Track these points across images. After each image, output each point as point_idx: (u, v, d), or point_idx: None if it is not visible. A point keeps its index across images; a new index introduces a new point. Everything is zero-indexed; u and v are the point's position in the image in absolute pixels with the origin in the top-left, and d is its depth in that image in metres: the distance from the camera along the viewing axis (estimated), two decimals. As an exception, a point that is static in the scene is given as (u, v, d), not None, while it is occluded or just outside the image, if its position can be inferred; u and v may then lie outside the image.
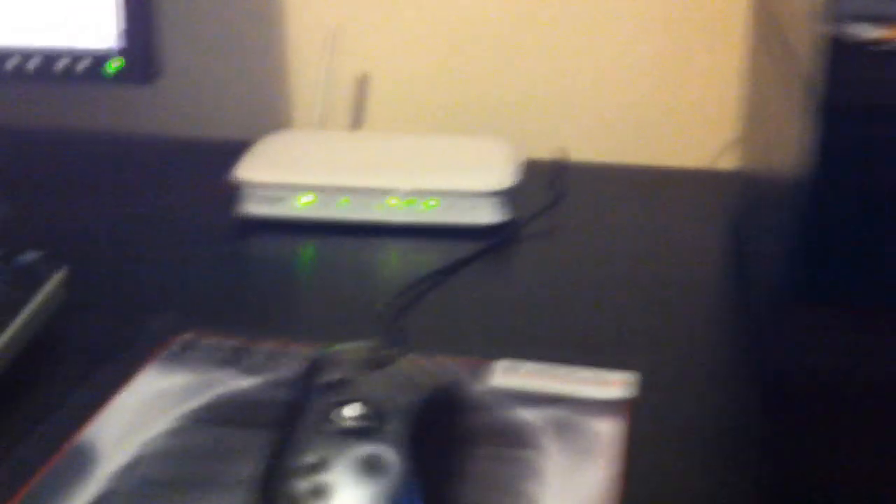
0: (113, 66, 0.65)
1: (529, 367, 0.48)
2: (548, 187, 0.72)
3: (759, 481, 0.43)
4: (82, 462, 0.41)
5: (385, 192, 0.64)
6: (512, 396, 0.46)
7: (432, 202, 0.64)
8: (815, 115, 0.45)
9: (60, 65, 0.65)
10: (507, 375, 0.48)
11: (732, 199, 0.71)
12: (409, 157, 0.67)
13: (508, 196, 0.65)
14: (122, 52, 0.65)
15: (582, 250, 0.63)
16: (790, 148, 0.50)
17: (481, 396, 0.46)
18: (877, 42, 0.45)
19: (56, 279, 0.52)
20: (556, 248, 0.64)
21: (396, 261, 0.62)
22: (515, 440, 0.43)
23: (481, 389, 0.47)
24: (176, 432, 0.43)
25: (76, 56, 0.65)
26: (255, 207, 0.65)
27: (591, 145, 0.80)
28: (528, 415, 0.45)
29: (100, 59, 0.65)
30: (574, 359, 0.49)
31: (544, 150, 0.77)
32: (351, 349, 0.43)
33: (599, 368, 0.48)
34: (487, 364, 0.48)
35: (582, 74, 0.80)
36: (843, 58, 0.45)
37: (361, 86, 0.82)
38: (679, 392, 0.48)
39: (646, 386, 0.48)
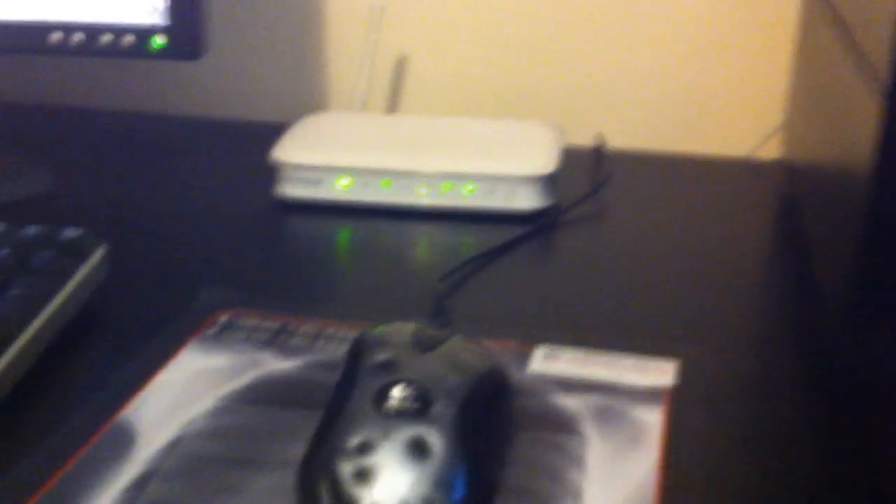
0: (158, 41, 0.65)
1: (571, 353, 0.48)
2: (590, 174, 0.71)
3: (803, 472, 0.42)
4: (125, 440, 0.41)
5: (425, 176, 0.64)
6: (554, 382, 0.46)
7: (473, 186, 0.64)
8: (884, 103, 0.44)
9: (105, 40, 0.65)
10: (549, 361, 0.47)
11: (776, 188, 0.70)
12: (450, 140, 0.67)
13: (550, 182, 0.64)
14: (168, 28, 0.65)
15: (624, 238, 0.63)
16: (853, 138, 0.49)
17: (524, 381, 0.45)
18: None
19: (98, 255, 0.52)
20: (598, 235, 0.63)
21: (436, 245, 0.62)
22: (558, 426, 0.43)
23: (524, 374, 0.46)
24: (219, 412, 0.43)
25: (121, 31, 0.65)
26: (293, 189, 0.65)
27: (631, 133, 0.80)
28: (570, 401, 0.44)
29: (145, 33, 0.65)
30: (617, 345, 0.49)
31: (583, 137, 0.77)
32: (396, 330, 0.43)
33: (641, 356, 0.48)
34: (529, 349, 0.48)
35: (624, 61, 0.79)
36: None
37: (401, 68, 0.82)
38: (722, 380, 0.48)
39: (689, 373, 0.47)
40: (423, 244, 0.62)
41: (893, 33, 0.43)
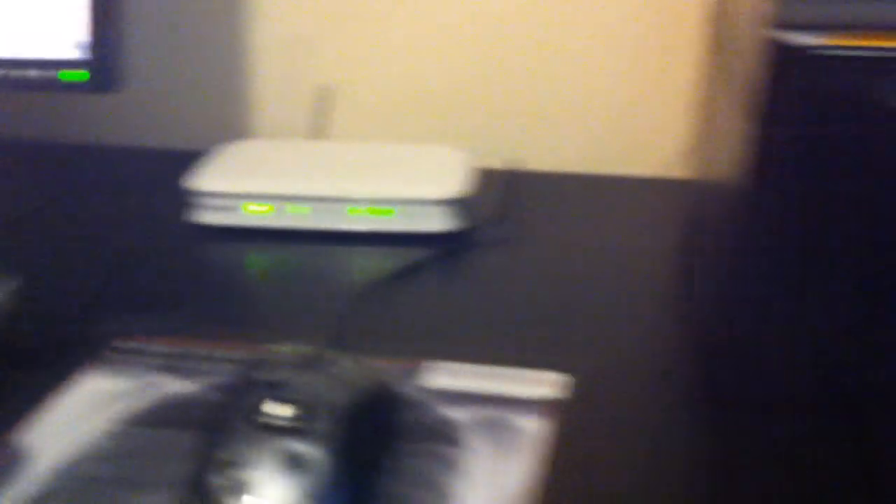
0: (74, 75, 0.66)
1: (462, 367, 0.49)
2: (502, 196, 0.73)
3: (683, 482, 0.44)
4: (15, 463, 0.42)
5: (339, 201, 0.65)
6: (442, 396, 0.47)
7: (386, 210, 0.65)
8: (755, 121, 0.46)
9: (23, 73, 0.66)
10: (440, 376, 0.49)
11: (685, 207, 0.72)
12: (363, 166, 0.68)
13: (461, 204, 0.65)
14: (86, 61, 0.66)
15: (535, 257, 0.64)
16: (733, 155, 0.51)
17: (413, 396, 0.47)
18: (818, 49, 0.46)
19: (6, 286, 0.53)
20: (510, 255, 0.65)
21: (348, 268, 0.63)
22: (441, 437, 0.44)
23: (413, 389, 0.47)
24: (111, 435, 0.44)
25: (39, 64, 0.66)
26: (208, 216, 0.66)
27: (551, 155, 0.81)
28: (455, 413, 0.46)
29: (64, 67, 0.66)
30: (511, 360, 0.50)
31: (509, 161, 0.79)
32: (287, 351, 0.44)
33: (530, 369, 0.49)
34: (421, 365, 0.49)
35: (541, 86, 0.81)
36: (784, 64, 0.46)
37: (326, 97, 0.83)
38: (615, 393, 0.49)
39: (582, 385, 0.48)
40: (336, 268, 0.63)
41: (760, 71, 0.46)
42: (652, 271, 0.62)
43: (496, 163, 0.77)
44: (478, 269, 0.63)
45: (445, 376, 0.49)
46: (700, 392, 0.50)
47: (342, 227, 0.65)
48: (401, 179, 0.66)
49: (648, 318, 0.57)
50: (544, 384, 0.48)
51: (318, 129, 0.83)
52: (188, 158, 0.72)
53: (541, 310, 0.57)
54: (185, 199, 0.67)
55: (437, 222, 0.65)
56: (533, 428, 0.45)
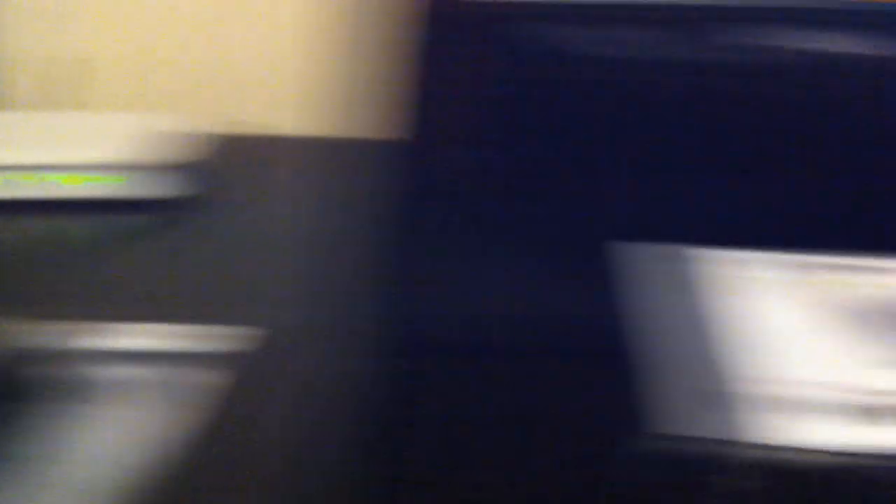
0: None
1: (138, 327, 0.48)
2: (224, 161, 0.72)
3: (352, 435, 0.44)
4: None
5: (48, 168, 0.64)
6: (102, 355, 0.46)
7: (104, 177, 0.64)
8: (414, 77, 0.47)
9: None
10: (108, 336, 0.48)
11: (392, 167, 0.73)
12: (80, 133, 0.67)
13: (177, 170, 0.65)
14: None
15: (245, 220, 0.65)
16: (397, 113, 0.52)
17: (62, 356, 0.46)
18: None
19: None
20: (222, 219, 0.64)
21: (58, 236, 0.61)
22: (89, 396, 0.43)
23: (69, 350, 0.46)
24: None
25: None
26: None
27: (273, 119, 0.82)
28: (119, 372, 0.45)
29: None
30: (206, 320, 0.50)
31: (231, 125, 0.79)
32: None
33: (210, 325, 0.49)
34: (94, 325, 0.48)
35: (265, 54, 0.82)
36: (440, 18, 0.47)
37: (71, 69, 0.82)
38: (303, 352, 0.49)
39: (271, 344, 0.48)
40: (44, 237, 0.61)
41: (420, 23, 0.46)
42: (351, 231, 0.63)
43: (223, 128, 0.77)
44: (189, 234, 0.62)
45: (114, 336, 0.48)
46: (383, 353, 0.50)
47: (56, 195, 0.64)
48: (114, 145, 0.66)
49: (345, 279, 0.57)
50: (224, 340, 0.48)
51: (63, 101, 0.81)
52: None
53: (240, 272, 0.57)
54: None
55: (145, 188, 0.64)
56: (198, 382, 0.44)
